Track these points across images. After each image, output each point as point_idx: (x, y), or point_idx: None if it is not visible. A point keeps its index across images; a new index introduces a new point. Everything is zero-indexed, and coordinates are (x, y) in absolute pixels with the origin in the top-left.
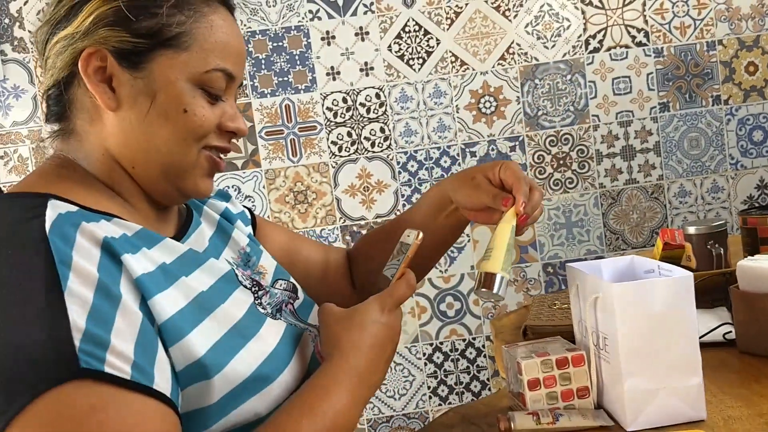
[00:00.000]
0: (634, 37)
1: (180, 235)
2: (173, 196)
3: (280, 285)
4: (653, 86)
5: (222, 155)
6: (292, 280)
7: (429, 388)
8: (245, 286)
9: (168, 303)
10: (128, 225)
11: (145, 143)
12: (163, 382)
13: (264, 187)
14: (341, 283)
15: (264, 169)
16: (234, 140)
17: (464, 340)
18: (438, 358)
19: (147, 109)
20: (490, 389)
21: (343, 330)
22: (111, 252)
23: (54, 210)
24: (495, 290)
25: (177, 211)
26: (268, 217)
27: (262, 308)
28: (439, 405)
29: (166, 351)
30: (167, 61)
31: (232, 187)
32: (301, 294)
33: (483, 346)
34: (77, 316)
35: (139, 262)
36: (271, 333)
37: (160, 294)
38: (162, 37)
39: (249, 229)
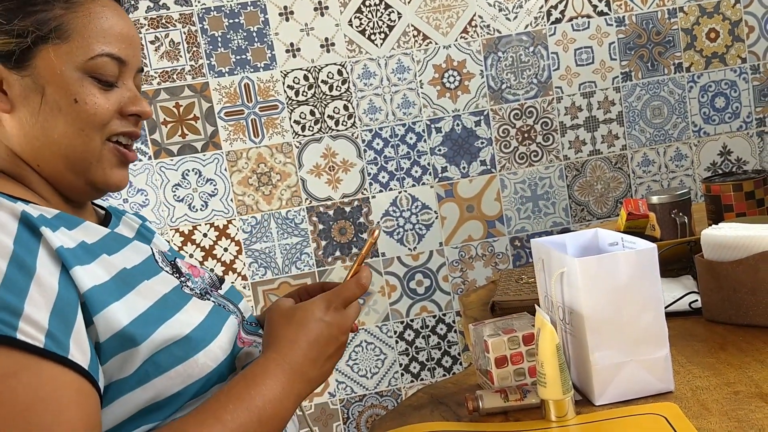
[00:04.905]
0: (595, 7)
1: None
2: (85, 190)
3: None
4: (615, 56)
5: (130, 142)
6: (219, 273)
7: (401, 365)
8: (167, 272)
9: (89, 276)
10: (45, 209)
11: (44, 139)
12: (79, 354)
13: (226, 169)
14: None
15: (225, 150)
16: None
17: (434, 316)
18: (409, 335)
19: (39, 105)
20: (461, 363)
21: (283, 325)
22: (29, 225)
23: None
24: (570, 416)
25: (94, 213)
26: (231, 200)
27: (189, 289)
28: (412, 382)
29: (92, 321)
30: (50, 54)
31: (193, 170)
32: (226, 286)
33: (453, 321)
34: None
35: (59, 238)
36: (198, 309)
37: (81, 266)
38: (41, 33)
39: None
